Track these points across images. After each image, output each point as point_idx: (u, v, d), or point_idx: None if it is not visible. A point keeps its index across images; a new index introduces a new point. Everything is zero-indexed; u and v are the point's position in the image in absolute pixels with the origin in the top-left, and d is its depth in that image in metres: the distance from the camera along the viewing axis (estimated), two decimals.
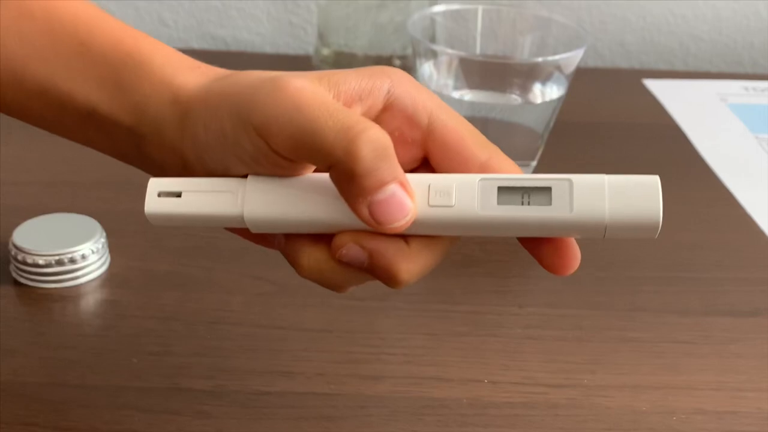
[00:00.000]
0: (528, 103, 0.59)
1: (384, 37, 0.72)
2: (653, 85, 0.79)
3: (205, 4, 0.85)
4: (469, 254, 0.53)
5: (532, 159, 0.61)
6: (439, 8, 0.63)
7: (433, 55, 0.58)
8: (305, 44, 0.86)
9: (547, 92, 0.59)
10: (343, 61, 0.71)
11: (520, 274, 0.52)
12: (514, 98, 0.60)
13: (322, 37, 0.73)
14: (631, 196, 0.30)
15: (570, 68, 0.58)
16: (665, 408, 0.42)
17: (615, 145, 0.68)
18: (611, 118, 0.72)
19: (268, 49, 0.87)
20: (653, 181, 0.30)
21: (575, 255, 0.31)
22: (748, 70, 0.88)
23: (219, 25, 0.86)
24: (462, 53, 0.56)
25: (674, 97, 0.76)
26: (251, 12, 0.85)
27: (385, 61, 0.71)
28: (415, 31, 0.59)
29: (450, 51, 0.57)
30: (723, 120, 0.73)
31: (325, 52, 0.73)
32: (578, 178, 0.30)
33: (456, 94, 0.59)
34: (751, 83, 0.80)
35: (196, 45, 0.87)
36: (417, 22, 0.61)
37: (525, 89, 0.60)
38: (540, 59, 0.57)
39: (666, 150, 0.68)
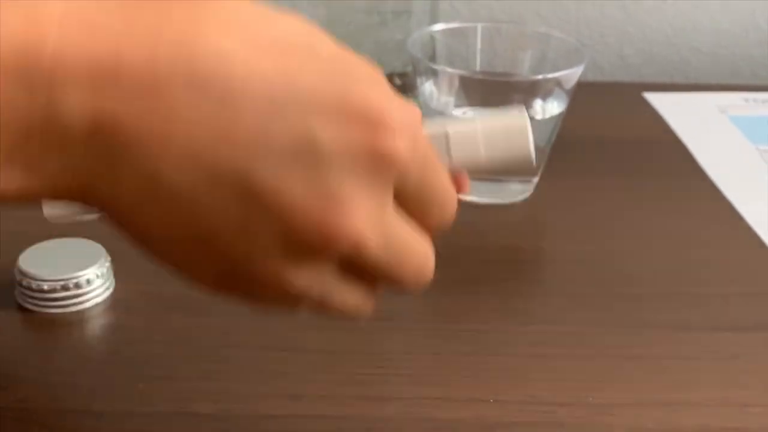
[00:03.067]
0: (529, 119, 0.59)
1: (384, 55, 0.72)
2: (653, 98, 0.79)
3: None
4: (472, 273, 0.53)
5: (534, 175, 0.61)
6: (438, 27, 0.63)
7: (434, 73, 0.58)
8: None
9: (548, 108, 0.59)
10: None
11: (524, 292, 0.53)
12: None
13: None
14: (502, 140, 0.34)
15: (570, 84, 0.58)
16: (671, 425, 0.42)
17: (616, 160, 0.68)
18: (612, 132, 0.72)
19: None
20: (521, 124, 0.34)
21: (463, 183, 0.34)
22: (749, 81, 0.88)
23: None
24: (462, 71, 0.57)
25: (674, 109, 0.77)
26: None
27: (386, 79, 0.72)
28: (414, 49, 0.60)
29: (450, 70, 0.57)
30: (724, 132, 0.73)
31: None
32: (453, 130, 0.34)
33: (458, 112, 0.59)
34: (751, 95, 0.80)
35: None
36: (417, 40, 0.61)
37: (526, 105, 0.60)
38: (540, 76, 0.57)
39: (667, 163, 0.68)
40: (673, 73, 0.88)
